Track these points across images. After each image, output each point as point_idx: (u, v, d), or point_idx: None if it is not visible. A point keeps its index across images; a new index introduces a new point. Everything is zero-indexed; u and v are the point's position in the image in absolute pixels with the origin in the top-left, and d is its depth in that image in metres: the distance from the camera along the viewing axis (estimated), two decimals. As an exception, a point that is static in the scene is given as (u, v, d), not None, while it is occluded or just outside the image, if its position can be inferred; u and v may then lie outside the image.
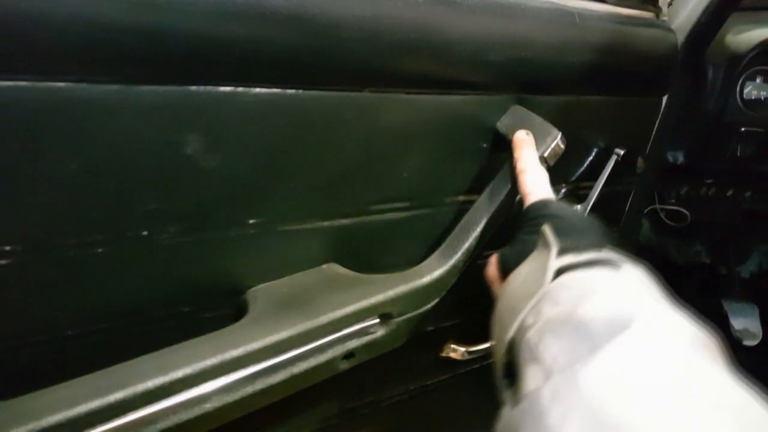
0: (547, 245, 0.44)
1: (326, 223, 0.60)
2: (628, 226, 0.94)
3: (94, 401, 0.44)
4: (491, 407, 1.02)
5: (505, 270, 0.49)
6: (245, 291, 0.58)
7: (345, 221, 0.61)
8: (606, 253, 0.42)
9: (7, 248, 0.43)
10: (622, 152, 0.79)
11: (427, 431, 0.93)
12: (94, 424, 0.44)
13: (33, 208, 0.43)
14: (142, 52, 0.42)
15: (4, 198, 0.42)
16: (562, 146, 0.63)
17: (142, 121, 0.45)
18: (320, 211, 0.59)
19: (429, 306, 0.62)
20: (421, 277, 0.60)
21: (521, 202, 0.56)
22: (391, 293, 0.58)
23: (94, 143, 0.44)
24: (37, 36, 0.39)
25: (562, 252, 0.42)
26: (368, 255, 0.65)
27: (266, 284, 0.59)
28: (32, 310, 0.47)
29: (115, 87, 0.43)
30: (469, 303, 0.79)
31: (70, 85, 0.41)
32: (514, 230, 0.52)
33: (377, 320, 0.59)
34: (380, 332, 0.59)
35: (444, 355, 0.82)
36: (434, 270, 0.61)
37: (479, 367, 0.88)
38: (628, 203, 0.90)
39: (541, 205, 0.52)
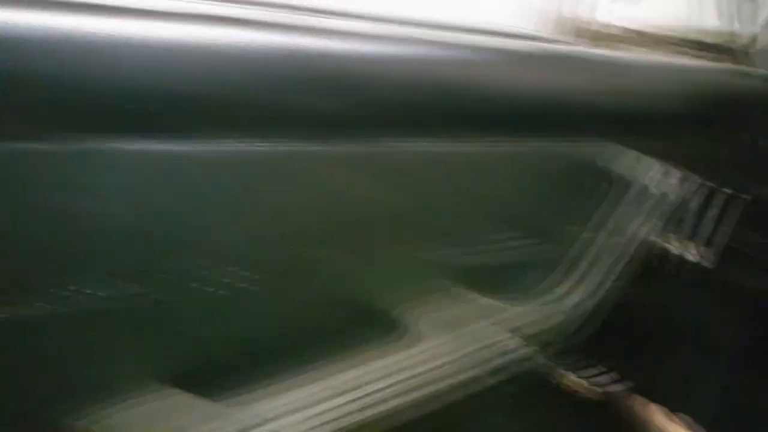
0: None
1: (461, 252, 0.69)
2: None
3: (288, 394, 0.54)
4: None
5: None
6: (394, 313, 0.67)
7: (476, 251, 0.70)
8: None
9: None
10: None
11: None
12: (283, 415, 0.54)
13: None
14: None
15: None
16: (671, 179, 0.71)
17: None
18: (456, 241, 0.68)
19: (567, 327, 0.69)
20: (559, 300, 0.68)
21: None
22: (532, 314, 0.66)
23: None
24: (269, 110, 0.52)
25: None
26: (497, 284, 0.73)
27: (414, 307, 0.67)
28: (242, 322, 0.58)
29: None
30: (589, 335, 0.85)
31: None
32: None
33: (519, 338, 0.66)
34: (523, 350, 0.67)
35: (566, 385, 0.87)
36: (570, 295, 0.68)
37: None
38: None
39: None
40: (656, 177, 0.70)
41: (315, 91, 0.52)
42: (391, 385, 0.59)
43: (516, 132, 0.65)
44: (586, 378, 0.87)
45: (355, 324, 0.65)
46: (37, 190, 0.42)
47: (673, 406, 1.03)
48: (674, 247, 0.84)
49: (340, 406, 0.56)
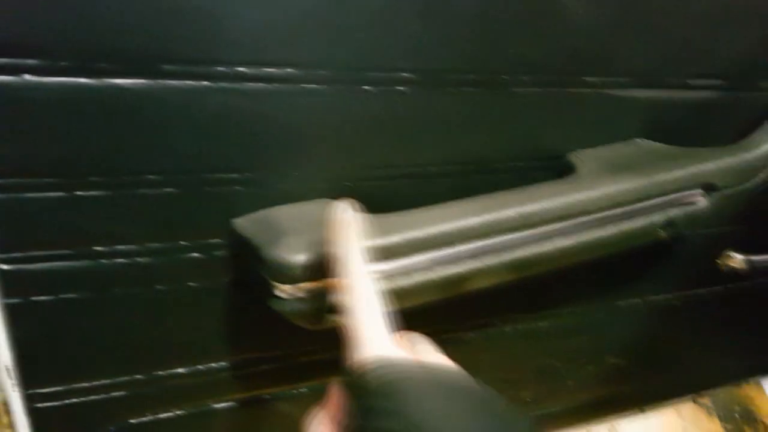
0: None
1: (648, 93, 0.60)
2: None
3: (456, 222, 0.49)
4: (762, 332, 0.97)
5: None
6: (569, 153, 0.60)
7: (664, 93, 0.61)
8: None
9: (406, 75, 0.49)
10: None
11: (696, 343, 0.90)
12: (455, 243, 0.49)
13: (429, 39, 0.48)
14: None
15: (414, 26, 0.47)
16: None
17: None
18: (645, 77, 0.59)
19: (751, 183, 0.60)
20: (747, 151, 0.58)
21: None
22: (717, 163, 0.57)
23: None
24: None
25: None
26: (682, 131, 0.63)
27: (589, 149, 0.60)
28: (412, 140, 0.52)
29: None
30: (759, 206, 0.75)
31: None
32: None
33: (700, 191, 0.58)
34: (702, 203, 0.58)
35: (721, 262, 0.79)
36: (761, 146, 0.59)
37: (756, 285, 0.83)
38: None
39: (389, 381, 0.32)
40: None
41: None
42: (557, 225, 0.53)
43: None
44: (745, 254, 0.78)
45: (523, 162, 0.59)
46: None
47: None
48: None
49: (502, 241, 0.51)
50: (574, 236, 0.53)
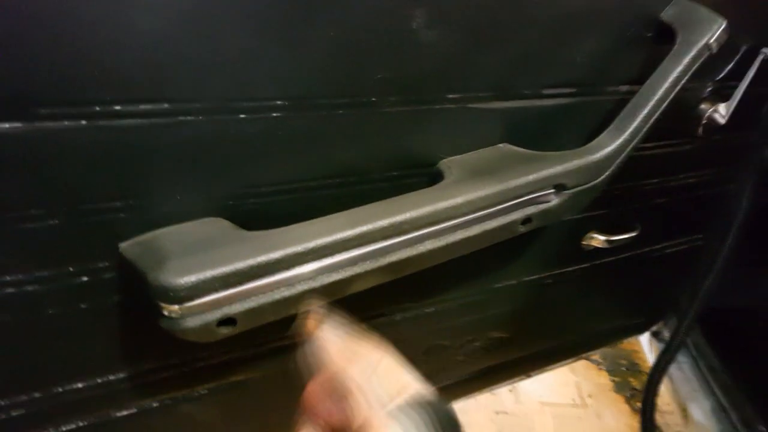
0: None
1: (507, 104, 0.67)
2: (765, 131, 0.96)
3: (334, 235, 0.53)
4: (627, 299, 1.09)
5: None
6: (438, 161, 0.66)
7: (521, 103, 0.68)
8: None
9: (279, 102, 0.53)
10: (770, 50, 0.80)
11: (565, 315, 1.01)
12: (334, 253, 0.54)
13: (299, 69, 0.52)
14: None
15: (282, 57, 0.51)
16: (727, 35, 0.67)
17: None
18: (503, 90, 0.66)
19: (598, 180, 0.68)
20: (593, 153, 0.66)
21: None
22: (566, 166, 0.65)
23: (346, 14, 0.52)
24: None
25: None
26: (537, 137, 0.71)
27: (456, 156, 0.67)
28: (290, 159, 0.57)
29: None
30: (614, 194, 0.85)
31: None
32: None
33: (552, 190, 0.66)
34: (555, 201, 0.66)
35: (586, 243, 0.89)
36: (604, 147, 0.67)
37: (617, 260, 0.94)
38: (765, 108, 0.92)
39: None
40: (707, 31, 0.66)
41: None
42: (426, 230, 0.59)
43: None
44: (606, 234, 0.89)
45: (398, 171, 0.64)
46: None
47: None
48: (706, 107, 0.82)
49: (377, 248, 0.56)
50: (443, 238, 0.60)
